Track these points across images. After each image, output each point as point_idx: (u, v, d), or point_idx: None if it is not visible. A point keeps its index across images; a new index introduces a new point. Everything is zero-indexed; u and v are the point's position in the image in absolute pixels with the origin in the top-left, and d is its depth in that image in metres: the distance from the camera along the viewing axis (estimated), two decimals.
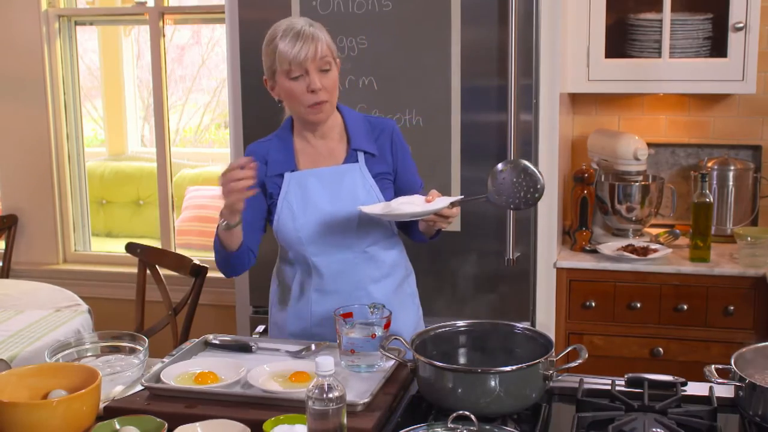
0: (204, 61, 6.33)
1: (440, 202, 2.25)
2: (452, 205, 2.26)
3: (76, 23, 4.58)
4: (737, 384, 1.91)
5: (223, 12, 3.41)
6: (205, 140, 6.62)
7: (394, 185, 2.50)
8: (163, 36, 4.38)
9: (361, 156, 2.45)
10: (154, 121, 4.44)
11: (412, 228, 2.49)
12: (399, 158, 2.51)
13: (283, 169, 2.42)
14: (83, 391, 1.80)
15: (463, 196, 2.34)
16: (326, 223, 2.39)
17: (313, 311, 2.46)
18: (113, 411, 1.92)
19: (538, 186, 2.19)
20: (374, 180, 2.44)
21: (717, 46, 3.50)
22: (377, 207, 2.30)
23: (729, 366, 1.94)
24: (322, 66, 2.32)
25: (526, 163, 2.21)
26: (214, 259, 2.48)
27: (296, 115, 2.43)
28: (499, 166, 2.22)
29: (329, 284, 2.44)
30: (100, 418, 1.87)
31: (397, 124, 2.57)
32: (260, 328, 3.43)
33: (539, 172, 2.20)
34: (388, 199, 2.42)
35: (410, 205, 2.26)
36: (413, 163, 2.56)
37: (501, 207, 2.26)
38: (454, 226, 3.19)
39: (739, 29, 3.41)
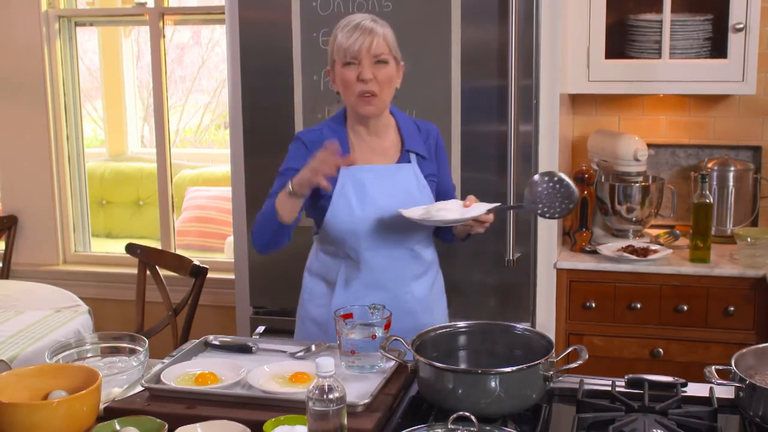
0: (204, 61, 6.34)
1: (477, 209, 2.34)
2: (488, 211, 2.34)
3: (76, 24, 4.58)
4: (737, 385, 1.91)
5: (223, 13, 3.41)
6: (205, 141, 6.63)
7: None
8: (163, 36, 4.38)
9: (413, 157, 2.51)
10: (154, 122, 4.44)
11: (445, 229, 2.55)
12: (441, 162, 2.60)
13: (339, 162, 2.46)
14: (83, 391, 1.80)
15: (499, 204, 2.43)
16: (383, 218, 2.44)
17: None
18: (113, 412, 1.92)
19: (573, 197, 2.29)
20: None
21: (717, 47, 3.50)
22: (417, 211, 2.37)
23: (729, 367, 1.94)
24: (376, 59, 2.38)
25: (562, 175, 2.31)
26: (252, 232, 2.45)
27: (349, 106, 2.47)
28: (536, 177, 2.32)
29: (377, 279, 2.48)
30: (100, 418, 1.87)
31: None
32: (260, 329, 3.43)
33: (573, 184, 2.30)
34: (436, 200, 2.50)
35: (449, 211, 2.34)
36: (449, 168, 2.66)
37: (537, 215, 2.37)
38: None
39: (739, 30, 3.41)
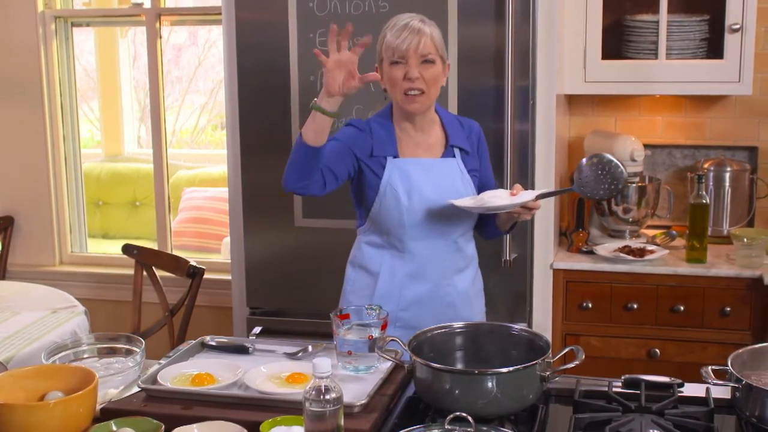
0: (200, 62, 6.33)
1: (526, 195, 2.40)
2: (537, 197, 2.41)
3: (72, 24, 4.58)
4: (734, 385, 1.92)
5: (220, 13, 3.41)
6: (202, 141, 6.62)
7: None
8: (160, 37, 4.38)
9: (457, 152, 2.57)
10: (151, 123, 4.44)
11: (489, 222, 2.61)
12: (483, 158, 2.65)
13: (387, 153, 2.51)
14: (80, 392, 1.80)
15: (547, 189, 2.46)
16: (430, 210, 2.50)
17: (402, 295, 2.55)
18: (110, 412, 1.92)
19: (621, 177, 2.37)
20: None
21: (713, 48, 3.50)
22: (467, 201, 2.44)
23: (726, 367, 1.94)
24: (424, 59, 2.43)
25: (610, 156, 2.39)
26: (286, 171, 2.42)
27: (396, 103, 2.52)
28: (584, 160, 2.40)
29: (421, 270, 2.54)
30: (96, 419, 1.87)
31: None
32: (257, 329, 3.45)
33: (622, 164, 2.37)
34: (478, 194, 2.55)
35: (498, 198, 2.40)
36: (490, 164, 2.70)
37: (586, 197, 2.48)
38: None
39: (736, 30, 3.41)
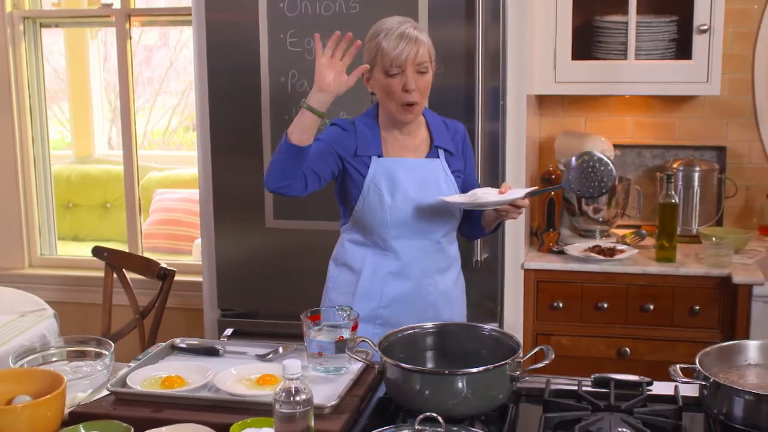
0: (172, 63, 6.30)
1: (516, 193, 2.43)
2: (525, 195, 2.43)
3: (41, 25, 4.54)
4: (702, 383, 1.93)
5: (190, 14, 3.39)
6: (174, 143, 6.58)
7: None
8: (130, 38, 4.35)
9: (441, 153, 2.59)
10: (121, 124, 4.41)
11: (474, 222, 2.62)
12: (468, 160, 2.68)
13: (371, 152, 2.52)
14: (48, 396, 1.79)
15: (536, 188, 2.48)
16: (413, 209, 2.52)
17: (384, 293, 2.57)
18: (78, 416, 1.90)
19: (610, 176, 2.41)
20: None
21: (682, 48, 3.53)
22: (458, 197, 2.46)
23: (694, 365, 1.96)
24: (419, 68, 2.44)
25: (600, 154, 2.42)
26: (267, 169, 2.43)
27: (387, 110, 2.52)
28: (573, 158, 2.44)
29: (404, 268, 2.56)
30: (65, 423, 1.86)
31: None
32: (228, 331, 3.44)
33: (611, 162, 2.40)
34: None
35: (489, 195, 2.43)
36: (474, 166, 2.74)
37: (575, 195, 2.44)
38: None
39: (704, 31, 3.44)
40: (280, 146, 2.38)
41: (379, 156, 2.52)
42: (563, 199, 3.62)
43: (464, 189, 2.59)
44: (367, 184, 2.51)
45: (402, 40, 2.41)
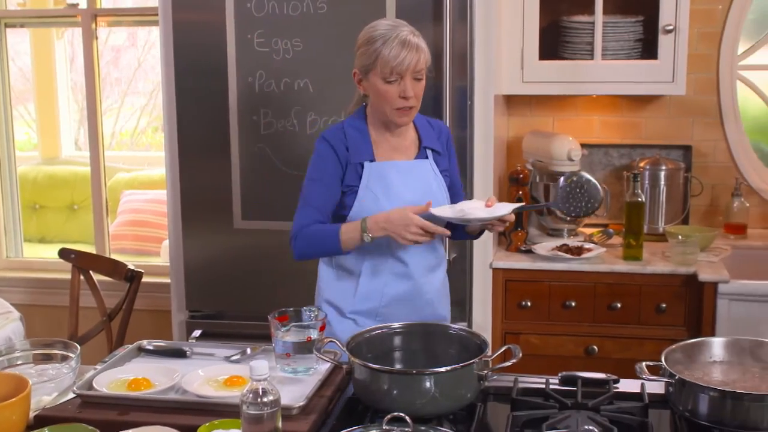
0: (140, 63, 6.26)
1: (503, 209, 2.44)
2: (512, 211, 2.45)
3: (6, 25, 4.50)
4: (667, 380, 1.95)
5: (157, 14, 3.37)
6: (142, 143, 6.54)
7: None
8: (96, 38, 4.32)
9: (429, 153, 2.61)
10: (88, 125, 4.37)
11: (458, 227, 2.62)
12: (452, 159, 2.70)
13: (363, 158, 2.52)
14: (12, 399, 1.77)
15: (523, 204, 2.49)
16: None
17: (384, 292, 2.57)
18: (44, 420, 1.89)
19: (597, 196, 2.47)
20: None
21: (648, 48, 3.56)
22: (446, 210, 2.45)
23: (660, 363, 1.98)
24: (416, 75, 2.44)
25: (588, 176, 2.49)
26: (298, 241, 2.51)
27: (381, 113, 2.51)
28: (562, 179, 2.47)
29: (404, 268, 2.57)
30: (30, 427, 1.84)
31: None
32: (196, 332, 3.43)
33: (600, 185, 2.45)
34: (450, 193, 2.63)
35: (476, 210, 2.43)
36: (458, 165, 2.77)
37: (563, 214, 2.48)
38: None
39: (669, 31, 3.47)
40: (325, 235, 2.47)
41: (371, 161, 2.53)
42: (531, 199, 3.63)
43: (450, 187, 2.62)
44: (362, 190, 2.52)
45: (404, 48, 2.40)
